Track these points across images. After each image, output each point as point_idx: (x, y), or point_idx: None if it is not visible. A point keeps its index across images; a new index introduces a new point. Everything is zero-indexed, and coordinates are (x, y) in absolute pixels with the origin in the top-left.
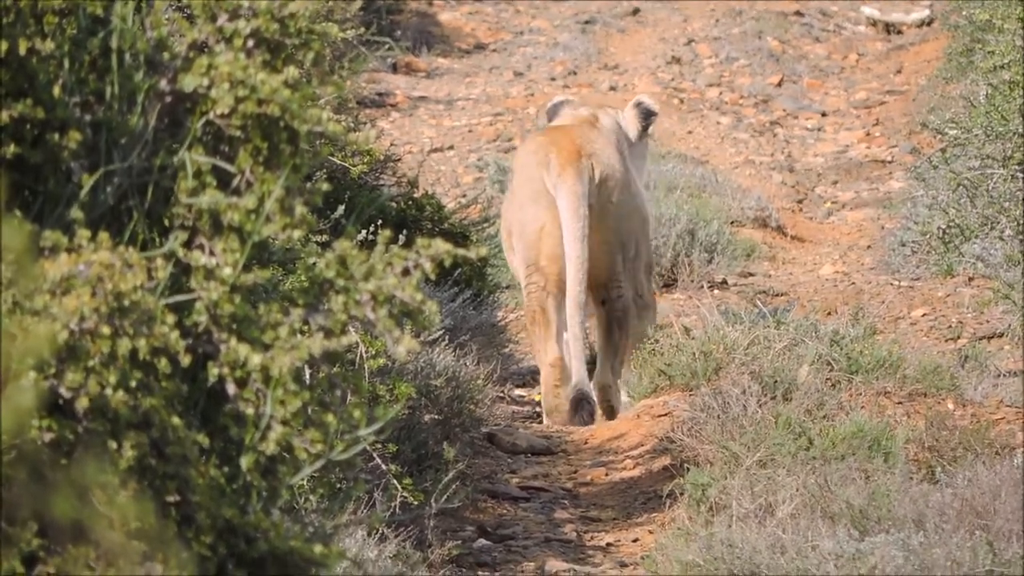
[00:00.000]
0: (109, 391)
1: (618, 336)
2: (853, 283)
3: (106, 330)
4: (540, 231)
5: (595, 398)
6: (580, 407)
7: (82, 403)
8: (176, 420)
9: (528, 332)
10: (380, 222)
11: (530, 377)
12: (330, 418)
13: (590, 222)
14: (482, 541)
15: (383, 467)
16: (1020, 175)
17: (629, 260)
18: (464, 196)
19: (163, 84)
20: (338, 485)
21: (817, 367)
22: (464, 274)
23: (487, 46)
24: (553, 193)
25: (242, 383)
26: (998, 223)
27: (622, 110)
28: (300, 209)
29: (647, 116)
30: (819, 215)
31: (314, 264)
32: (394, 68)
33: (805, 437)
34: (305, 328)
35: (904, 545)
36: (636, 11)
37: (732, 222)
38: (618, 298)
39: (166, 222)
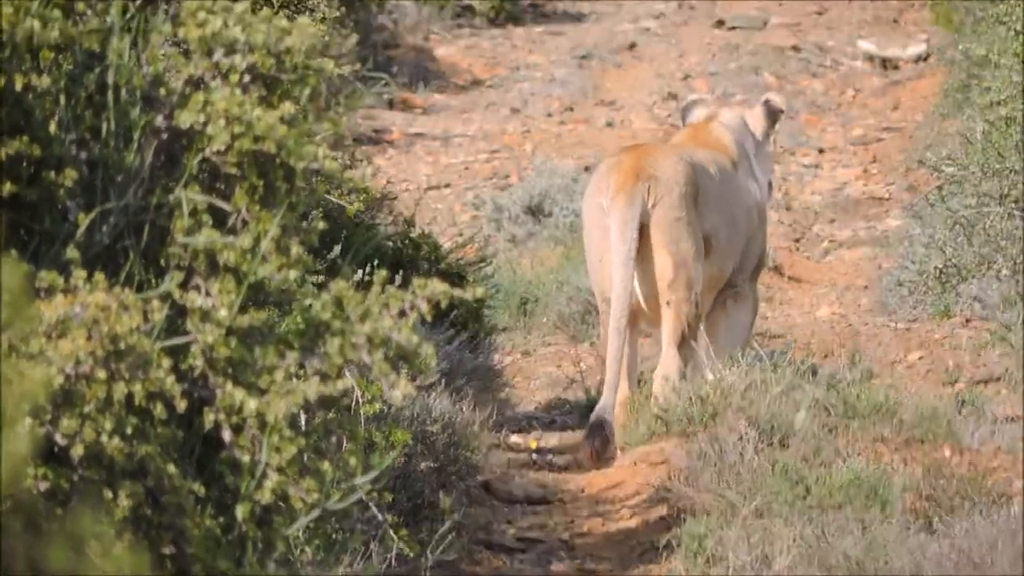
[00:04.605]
0: (105, 438)
1: (687, 340)
2: (850, 325)
3: (102, 374)
4: (601, 258)
5: (615, 425)
6: (594, 433)
7: (77, 450)
8: (172, 468)
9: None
10: (376, 261)
11: (526, 423)
12: (326, 466)
13: (651, 241)
14: None
15: (379, 517)
16: (1017, 213)
17: (699, 274)
18: (461, 235)
19: (159, 120)
20: (334, 536)
21: (814, 412)
22: (461, 316)
23: (484, 82)
24: (607, 217)
25: (238, 429)
26: (995, 262)
27: (748, 108)
28: (296, 248)
29: (774, 114)
30: (816, 254)
31: (310, 305)
32: (390, 104)
33: (802, 485)
34: (301, 372)
35: None
36: (633, 46)
37: None
38: (686, 302)
39: (162, 262)
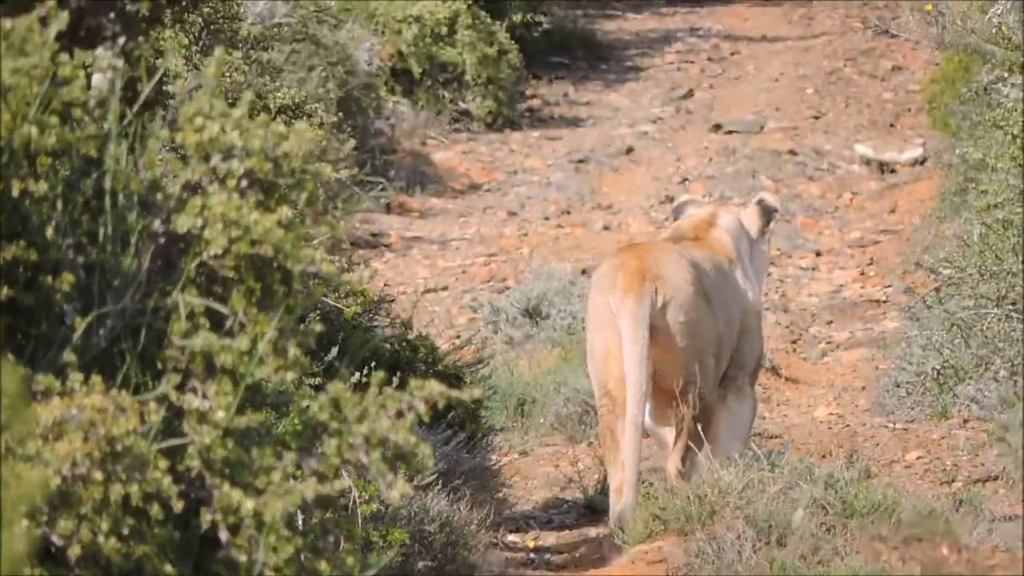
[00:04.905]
0: (101, 538)
1: (696, 432)
2: (848, 425)
3: (98, 476)
4: (606, 355)
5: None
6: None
7: (75, 551)
8: (169, 568)
9: (603, 453)
10: (373, 364)
11: (524, 522)
12: (323, 565)
13: (660, 342)
14: None
15: None
16: (1015, 315)
17: (710, 370)
18: (458, 337)
19: (157, 225)
20: None
21: (812, 511)
22: (458, 416)
23: (481, 186)
24: (616, 317)
25: (235, 529)
26: (992, 364)
27: (742, 207)
28: (293, 351)
29: (768, 213)
30: (813, 356)
31: (307, 407)
32: (388, 208)
33: None
34: (298, 472)
35: None
36: (630, 150)
37: None
38: (699, 401)
39: (159, 364)
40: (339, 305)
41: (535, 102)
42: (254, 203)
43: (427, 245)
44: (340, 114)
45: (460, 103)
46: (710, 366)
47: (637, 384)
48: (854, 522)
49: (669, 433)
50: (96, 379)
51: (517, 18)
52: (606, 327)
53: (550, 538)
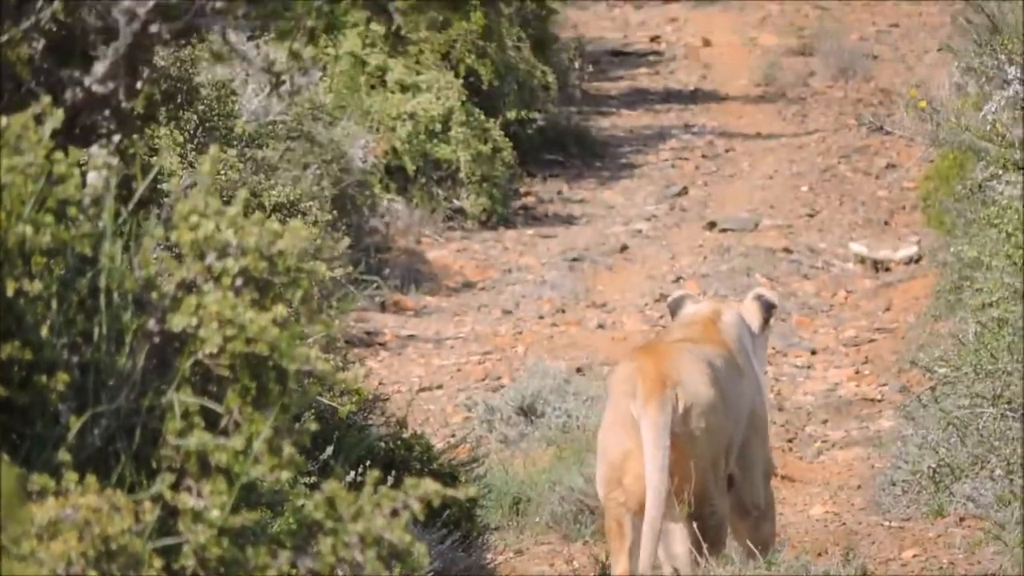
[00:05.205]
0: None
1: (708, 550)
2: (844, 523)
3: (93, 574)
4: (625, 455)
5: None
6: None
7: None
8: None
9: (608, 543)
10: (369, 462)
11: None
12: None
13: (678, 446)
14: None
15: None
16: (1010, 414)
17: (722, 477)
18: (453, 436)
19: (151, 324)
20: None
21: None
22: (453, 515)
23: (475, 284)
24: (638, 422)
25: None
26: (988, 462)
27: (741, 303)
28: (288, 450)
29: (768, 309)
30: (809, 455)
31: (302, 506)
32: (383, 307)
33: None
34: (293, 571)
35: None
36: (624, 248)
37: None
38: (711, 515)
39: (154, 463)
40: (334, 404)
41: (529, 200)
42: (249, 301)
43: (422, 343)
44: (335, 212)
45: (454, 200)
46: (721, 467)
47: (658, 492)
48: None
49: (673, 529)
50: (91, 479)
51: (511, 115)
52: (626, 431)
53: None
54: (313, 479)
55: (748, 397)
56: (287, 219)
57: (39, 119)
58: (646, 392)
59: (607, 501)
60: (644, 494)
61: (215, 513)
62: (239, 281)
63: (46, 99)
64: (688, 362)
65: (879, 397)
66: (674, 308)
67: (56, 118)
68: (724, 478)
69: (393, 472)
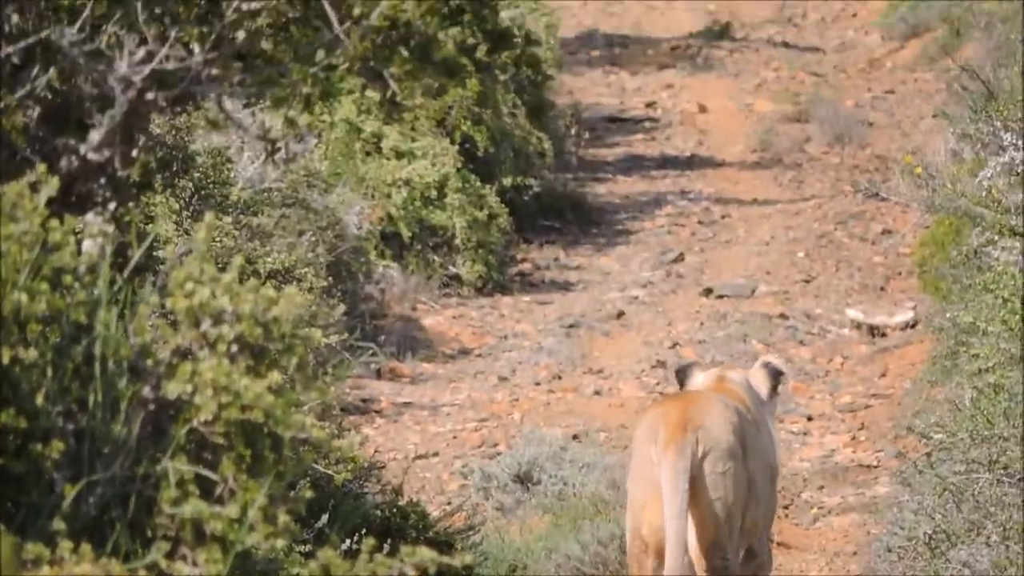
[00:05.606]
0: None
1: None
2: None
3: None
4: (644, 505)
5: None
6: None
7: None
8: None
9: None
10: (364, 530)
11: None
12: None
13: (696, 492)
14: None
15: None
16: (1006, 480)
17: (736, 529)
18: (449, 504)
19: (147, 391)
20: None
21: None
22: None
23: (471, 351)
24: (657, 467)
25: None
26: (985, 529)
27: (747, 370)
28: (283, 518)
29: (776, 376)
30: (805, 521)
31: (298, 574)
32: (378, 374)
33: None
34: None
35: None
36: (620, 314)
37: None
38: (723, 568)
39: (149, 532)
40: (330, 471)
41: (526, 266)
42: (244, 368)
43: (418, 411)
44: (330, 279)
45: (450, 267)
46: (737, 518)
47: (676, 537)
48: None
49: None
50: (86, 547)
51: (507, 182)
52: (645, 478)
53: None
54: (308, 547)
55: (770, 451)
56: (282, 286)
57: (34, 187)
58: (667, 437)
59: (630, 547)
60: (661, 544)
61: None
62: (234, 348)
63: (41, 167)
64: (714, 408)
65: (875, 463)
66: (682, 375)
67: (51, 186)
68: (738, 530)
69: (389, 540)
